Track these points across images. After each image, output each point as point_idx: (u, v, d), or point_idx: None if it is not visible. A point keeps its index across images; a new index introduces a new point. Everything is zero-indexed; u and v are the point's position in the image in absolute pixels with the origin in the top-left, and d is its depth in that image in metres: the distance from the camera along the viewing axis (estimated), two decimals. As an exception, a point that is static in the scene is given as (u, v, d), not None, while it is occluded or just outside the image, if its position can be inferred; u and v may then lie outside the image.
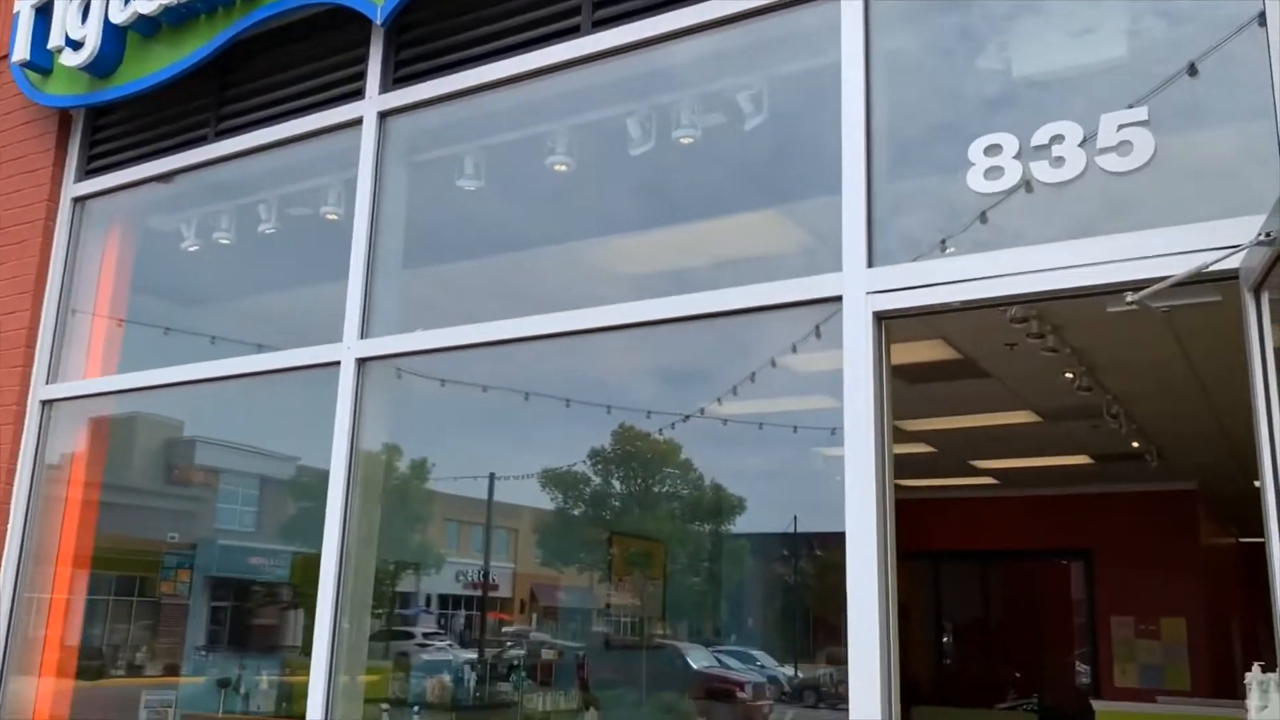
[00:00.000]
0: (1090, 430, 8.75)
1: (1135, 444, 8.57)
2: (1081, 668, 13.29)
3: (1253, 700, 3.50)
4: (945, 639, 14.92)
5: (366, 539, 3.90)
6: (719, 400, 9.55)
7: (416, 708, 6.90)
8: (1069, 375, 6.39)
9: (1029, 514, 12.29)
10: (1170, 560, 11.44)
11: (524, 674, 7.75)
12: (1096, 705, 8.91)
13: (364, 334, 4.09)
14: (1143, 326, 6.04)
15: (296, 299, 5.01)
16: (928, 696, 13.66)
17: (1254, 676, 3.65)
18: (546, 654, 9.28)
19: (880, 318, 3.31)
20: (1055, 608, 13.92)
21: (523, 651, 9.26)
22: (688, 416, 10.41)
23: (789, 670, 17.94)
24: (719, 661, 14.84)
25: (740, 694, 12.70)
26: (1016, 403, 7.98)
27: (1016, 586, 14.32)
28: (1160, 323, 5.94)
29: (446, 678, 7.39)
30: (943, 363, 6.82)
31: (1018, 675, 14.40)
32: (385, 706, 7.26)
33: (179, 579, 5.84)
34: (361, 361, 4.05)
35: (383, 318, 4.09)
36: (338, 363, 4.05)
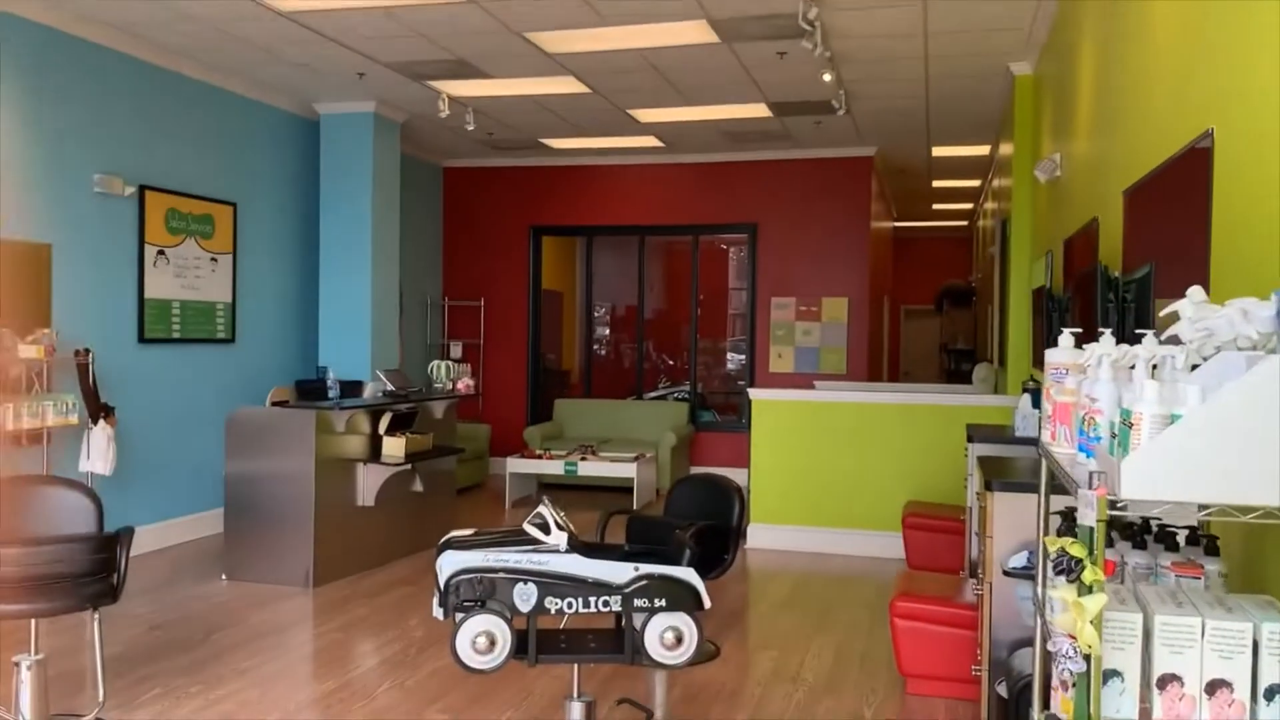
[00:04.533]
0: (776, 61, 6.89)
1: (827, 76, 6.81)
2: (735, 355, 12.40)
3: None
4: (597, 326, 13.59)
5: None
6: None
7: None
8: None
9: (693, 184, 10.67)
10: (838, 236, 10.31)
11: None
12: (753, 394, 7.69)
13: None
14: None
15: None
16: (574, 388, 12.35)
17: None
18: None
19: None
20: (715, 289, 12.81)
21: None
22: None
23: None
24: None
25: None
26: (689, 6, 5.87)
27: (675, 266, 13.01)
28: None
29: None
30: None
31: (671, 363, 13.43)
32: None
33: None
34: None
35: None
36: None
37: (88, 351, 6.20)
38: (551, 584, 3.31)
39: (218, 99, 7.71)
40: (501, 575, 3.30)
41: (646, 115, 8.87)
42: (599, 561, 3.37)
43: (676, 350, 12.77)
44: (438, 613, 3.33)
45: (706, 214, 10.66)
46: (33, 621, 3.83)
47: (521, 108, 8.64)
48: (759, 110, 8.56)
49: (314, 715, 4.15)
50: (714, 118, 8.89)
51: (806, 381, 9.84)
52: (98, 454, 6.10)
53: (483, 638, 3.28)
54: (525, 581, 3.30)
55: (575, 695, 3.53)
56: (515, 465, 8.97)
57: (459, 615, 3.32)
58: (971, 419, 6.86)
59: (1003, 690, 3.51)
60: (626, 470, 8.73)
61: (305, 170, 8.73)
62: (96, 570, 3.88)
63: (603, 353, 13.99)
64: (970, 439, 5.33)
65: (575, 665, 3.51)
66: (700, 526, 4.86)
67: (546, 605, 3.31)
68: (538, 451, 9.24)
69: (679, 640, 3.37)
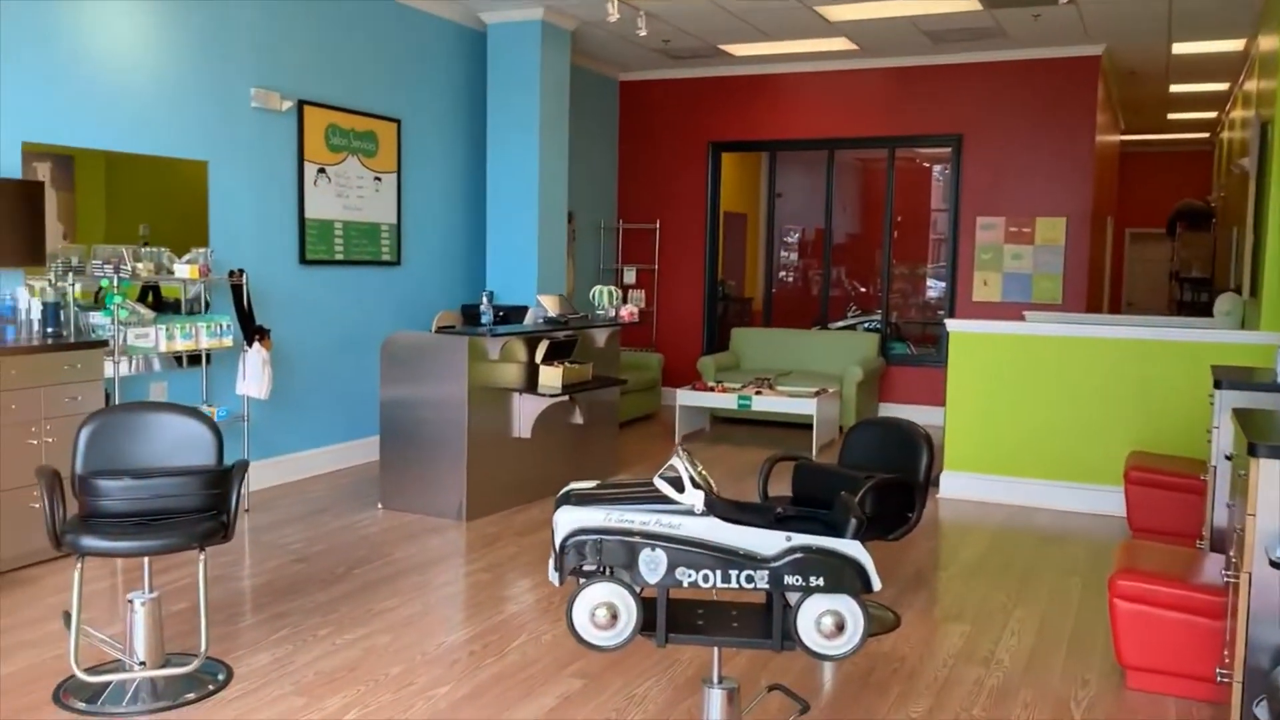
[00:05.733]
0: (986, -63, 5.92)
1: (1050, -47, 5.78)
2: (937, 282, 11.41)
3: None
4: (782, 250, 12.84)
5: None
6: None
7: None
8: None
9: (889, 92, 9.69)
10: (1056, 149, 9.14)
11: None
12: (951, 325, 6.84)
13: None
14: None
15: None
16: (755, 316, 11.69)
17: None
18: None
19: None
20: (914, 209, 11.78)
21: None
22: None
23: None
24: None
25: None
26: None
27: (869, 183, 12.06)
28: None
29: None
30: None
31: (863, 289, 12.55)
32: None
33: None
34: None
35: None
36: None
37: (241, 272, 6.04)
38: (684, 552, 2.75)
39: (380, 8, 7.37)
40: (624, 539, 2.77)
41: (837, 13, 7.98)
42: (742, 528, 2.79)
43: (868, 276, 11.88)
44: (553, 577, 2.84)
45: (904, 125, 9.68)
46: (145, 559, 3.60)
47: (697, 9, 7.93)
48: (967, 3, 7.53)
49: (437, 672, 3.79)
50: (914, 13, 7.91)
51: (1015, 312, 8.86)
52: (253, 377, 5.96)
53: (603, 610, 2.78)
54: (653, 547, 2.76)
55: (715, 680, 2.98)
56: (685, 398, 8.44)
57: (580, 581, 2.83)
58: (1213, 359, 5.83)
59: (1263, 713, 2.73)
60: (805, 406, 8.06)
61: (473, 84, 8.34)
62: (207, 507, 3.60)
63: (789, 278, 13.24)
64: (1218, 384, 4.39)
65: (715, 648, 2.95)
66: (879, 480, 4.21)
67: (678, 577, 2.76)
68: (709, 383, 8.68)
69: (840, 628, 2.76)
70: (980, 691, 3.72)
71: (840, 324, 10.98)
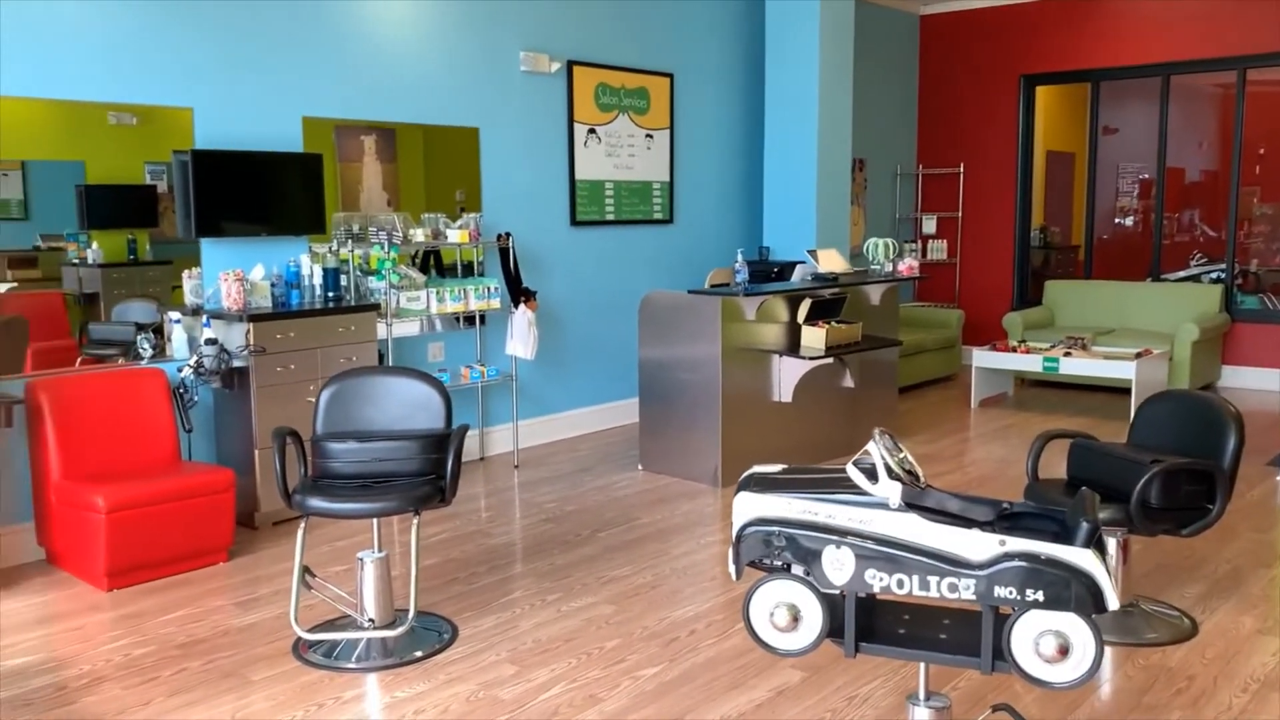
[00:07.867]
0: None
1: None
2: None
3: None
4: (1103, 192, 11.47)
5: None
6: None
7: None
8: None
9: (1236, 3, 8.27)
10: None
11: None
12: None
13: None
14: None
15: None
16: (1076, 267, 10.54)
17: None
18: None
19: None
20: (1273, 131, 10.09)
21: None
22: None
23: None
24: None
25: None
26: None
27: (1218, 111, 10.46)
28: None
29: None
30: None
31: (1215, 234, 10.97)
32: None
33: None
34: None
35: None
36: None
37: (508, 235, 6.14)
38: (874, 551, 2.38)
39: (652, -39, 7.21)
40: (805, 532, 2.44)
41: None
42: (945, 527, 2.37)
43: (1217, 220, 10.35)
44: (731, 569, 2.57)
45: (1258, 39, 8.24)
46: (375, 520, 3.70)
47: (997, -73, 7.11)
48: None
49: (652, 650, 3.63)
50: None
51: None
52: (519, 338, 6.08)
53: (782, 611, 2.48)
54: (838, 545, 2.41)
55: (921, 697, 2.59)
56: (982, 359, 7.72)
57: (765, 576, 2.54)
58: None
59: None
60: (1123, 370, 7.11)
61: (750, 30, 8.00)
62: (426, 471, 3.64)
63: (1126, 223, 11.83)
64: None
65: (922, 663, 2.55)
66: (1168, 465, 3.55)
67: (867, 580, 2.39)
68: (1012, 343, 7.89)
69: (1064, 652, 2.28)
70: (1291, 730, 3.03)
71: (1181, 274, 9.66)
